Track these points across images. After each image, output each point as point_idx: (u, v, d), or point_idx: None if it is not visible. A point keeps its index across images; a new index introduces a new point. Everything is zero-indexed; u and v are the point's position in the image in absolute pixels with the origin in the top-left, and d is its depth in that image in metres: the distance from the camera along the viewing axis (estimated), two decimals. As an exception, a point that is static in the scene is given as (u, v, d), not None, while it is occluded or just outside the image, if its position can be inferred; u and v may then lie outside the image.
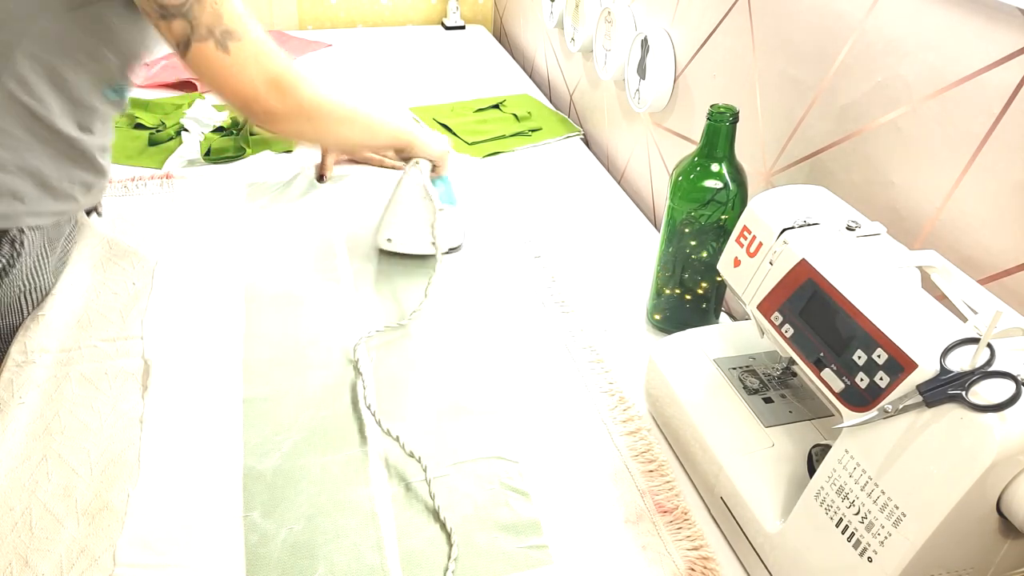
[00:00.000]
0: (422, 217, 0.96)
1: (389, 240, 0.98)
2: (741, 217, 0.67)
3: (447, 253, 1.00)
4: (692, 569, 0.62)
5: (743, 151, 0.87)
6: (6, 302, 0.84)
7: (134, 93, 1.38)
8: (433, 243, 0.96)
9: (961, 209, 0.64)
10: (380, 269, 0.97)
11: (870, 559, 0.50)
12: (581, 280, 0.98)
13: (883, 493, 0.49)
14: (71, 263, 0.93)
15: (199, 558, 0.62)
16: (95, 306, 0.87)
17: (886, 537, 0.49)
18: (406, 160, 0.97)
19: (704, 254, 0.81)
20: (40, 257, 0.86)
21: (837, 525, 0.53)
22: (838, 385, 0.53)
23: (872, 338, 0.51)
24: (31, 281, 0.86)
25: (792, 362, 0.68)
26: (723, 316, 0.91)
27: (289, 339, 0.85)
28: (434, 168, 0.98)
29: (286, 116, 0.80)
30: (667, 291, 0.87)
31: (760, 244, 0.64)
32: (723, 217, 0.78)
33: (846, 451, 0.52)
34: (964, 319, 0.53)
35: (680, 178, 0.79)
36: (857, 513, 0.51)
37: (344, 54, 1.71)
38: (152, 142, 1.24)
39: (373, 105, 0.91)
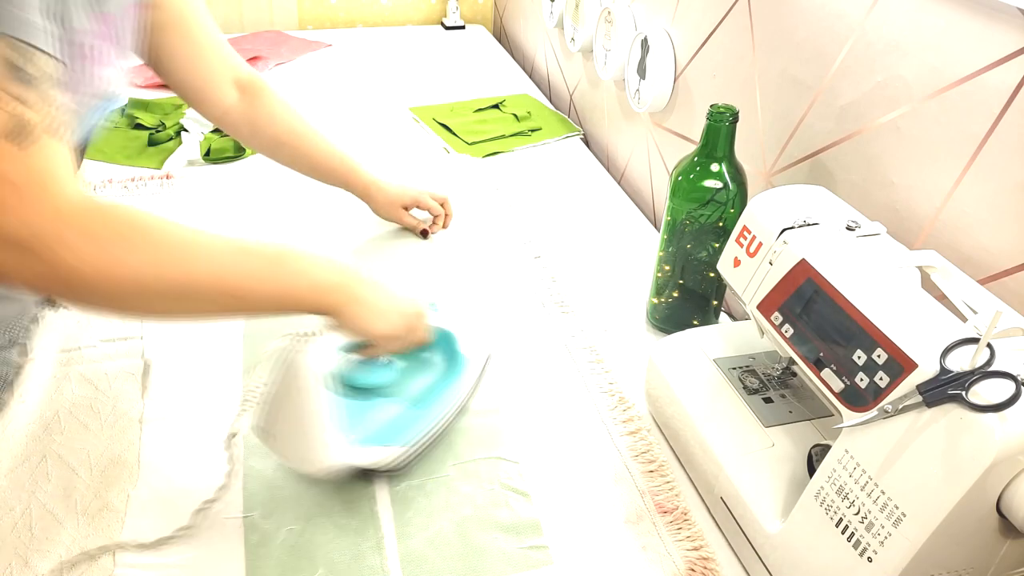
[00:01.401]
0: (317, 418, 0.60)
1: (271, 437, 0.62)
2: (741, 217, 0.67)
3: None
4: (692, 569, 0.62)
5: (743, 151, 0.87)
6: None
7: (134, 93, 1.38)
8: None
9: (961, 209, 0.64)
10: (376, 263, 0.98)
11: (870, 559, 0.50)
12: (581, 280, 0.98)
13: (883, 493, 0.49)
14: None
15: (199, 558, 0.62)
16: (95, 306, 0.87)
17: (886, 537, 0.49)
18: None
19: (704, 254, 0.81)
20: None
21: (837, 525, 0.53)
22: (838, 385, 0.53)
23: (872, 338, 0.51)
24: None
25: (792, 362, 0.68)
26: (723, 316, 0.91)
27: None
28: (368, 347, 0.64)
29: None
30: (667, 291, 0.87)
31: (760, 244, 0.64)
32: (723, 217, 0.78)
33: (846, 451, 0.52)
34: (964, 319, 0.53)
35: (680, 178, 0.79)
36: (857, 513, 0.51)
37: (344, 54, 1.71)
38: (152, 142, 1.24)
39: (246, 231, 0.68)
